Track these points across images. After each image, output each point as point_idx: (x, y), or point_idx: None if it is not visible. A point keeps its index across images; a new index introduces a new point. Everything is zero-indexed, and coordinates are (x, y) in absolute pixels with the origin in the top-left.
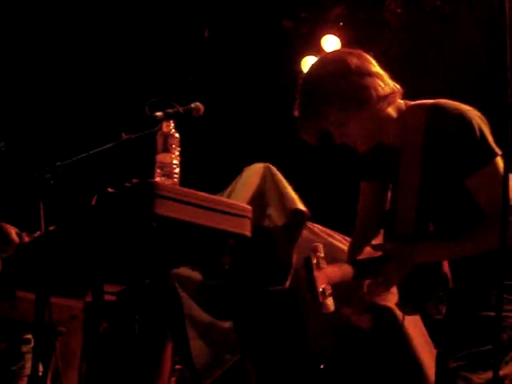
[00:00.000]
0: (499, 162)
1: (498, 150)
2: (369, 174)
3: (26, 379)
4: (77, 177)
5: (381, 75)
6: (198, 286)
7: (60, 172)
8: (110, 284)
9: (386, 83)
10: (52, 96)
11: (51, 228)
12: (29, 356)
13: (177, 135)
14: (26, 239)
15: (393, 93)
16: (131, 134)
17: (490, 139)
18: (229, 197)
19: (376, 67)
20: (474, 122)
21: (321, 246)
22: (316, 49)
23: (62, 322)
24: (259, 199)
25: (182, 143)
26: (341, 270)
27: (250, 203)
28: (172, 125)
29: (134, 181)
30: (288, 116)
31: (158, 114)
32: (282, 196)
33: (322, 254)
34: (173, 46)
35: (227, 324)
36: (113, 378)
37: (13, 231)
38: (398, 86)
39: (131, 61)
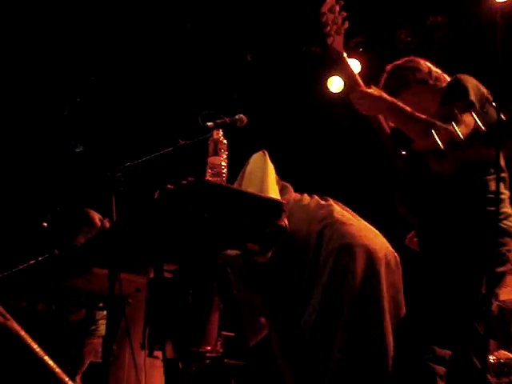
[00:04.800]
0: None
1: (475, 105)
2: None
3: (97, 339)
4: (143, 175)
5: (422, 67)
6: (241, 263)
7: (129, 171)
8: (168, 263)
9: (426, 73)
10: (123, 109)
11: (122, 217)
12: (101, 321)
13: (225, 141)
14: (107, 224)
15: (430, 78)
16: (187, 140)
17: (474, 94)
18: (239, 185)
19: (426, 64)
20: (465, 78)
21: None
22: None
23: (129, 294)
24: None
25: (229, 148)
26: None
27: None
28: (221, 133)
29: (189, 179)
30: (319, 126)
31: (209, 123)
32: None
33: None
34: (221, 68)
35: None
36: (170, 340)
37: (96, 217)
38: (443, 76)
39: (187, 81)
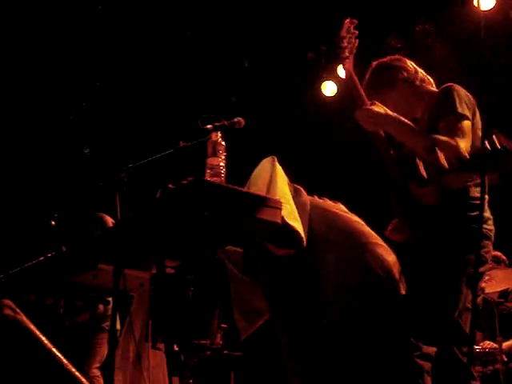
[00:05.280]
0: (465, 124)
1: (467, 116)
2: None
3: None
4: (145, 175)
5: (409, 67)
6: (240, 255)
7: (132, 172)
8: (170, 259)
9: (412, 73)
10: (126, 113)
11: (126, 216)
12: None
13: (223, 143)
14: None
15: (416, 79)
16: (187, 142)
17: (465, 106)
18: (248, 187)
19: (412, 65)
20: (456, 90)
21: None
22: (332, 75)
23: (132, 288)
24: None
25: (228, 149)
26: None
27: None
28: (219, 135)
29: (190, 179)
30: (312, 128)
31: (208, 126)
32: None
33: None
34: (220, 74)
35: (259, 289)
36: (171, 333)
37: (109, 220)
38: (428, 77)
39: (188, 86)
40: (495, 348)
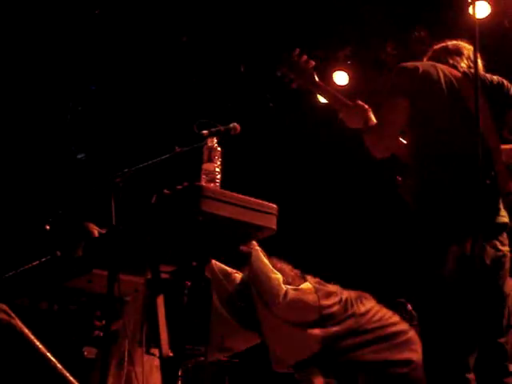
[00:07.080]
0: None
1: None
2: None
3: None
4: (140, 180)
5: None
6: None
7: (127, 177)
8: (165, 265)
9: None
10: (122, 117)
11: (120, 221)
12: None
13: (219, 148)
14: None
15: None
16: (183, 148)
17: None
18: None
19: None
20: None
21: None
22: (328, 82)
23: (127, 293)
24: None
25: (223, 155)
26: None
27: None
28: (215, 140)
29: (185, 184)
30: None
31: (204, 132)
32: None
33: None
34: (216, 80)
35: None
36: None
37: (95, 230)
38: None
39: (183, 92)
40: None
